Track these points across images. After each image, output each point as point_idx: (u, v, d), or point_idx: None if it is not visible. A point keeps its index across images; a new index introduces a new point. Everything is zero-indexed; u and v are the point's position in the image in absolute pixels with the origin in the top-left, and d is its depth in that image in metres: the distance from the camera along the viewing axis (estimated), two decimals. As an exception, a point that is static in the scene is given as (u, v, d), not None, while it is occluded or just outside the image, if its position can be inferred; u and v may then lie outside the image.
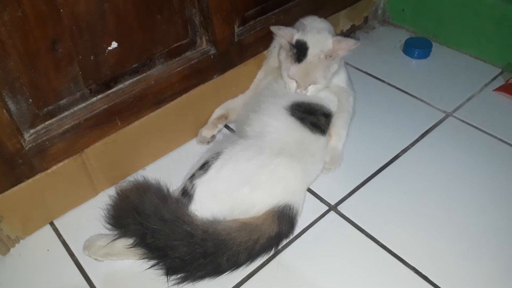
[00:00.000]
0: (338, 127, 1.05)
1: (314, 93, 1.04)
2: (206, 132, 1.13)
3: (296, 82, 1.03)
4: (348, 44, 1.00)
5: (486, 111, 1.19)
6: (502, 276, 0.85)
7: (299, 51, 1.01)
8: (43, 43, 0.79)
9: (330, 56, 1.00)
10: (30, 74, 0.80)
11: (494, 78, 1.30)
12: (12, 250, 0.94)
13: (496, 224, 0.93)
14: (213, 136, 1.13)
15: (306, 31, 1.03)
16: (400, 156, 1.09)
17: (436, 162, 1.07)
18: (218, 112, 1.15)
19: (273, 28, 1.03)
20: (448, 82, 1.30)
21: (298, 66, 1.01)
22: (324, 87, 1.05)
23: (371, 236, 0.92)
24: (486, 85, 1.28)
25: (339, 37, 1.04)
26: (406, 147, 1.11)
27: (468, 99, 1.23)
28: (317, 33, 1.03)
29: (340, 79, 1.11)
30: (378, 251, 0.90)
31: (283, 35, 1.02)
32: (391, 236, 0.92)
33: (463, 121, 1.17)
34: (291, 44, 1.01)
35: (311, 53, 1.01)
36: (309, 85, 1.03)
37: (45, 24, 0.77)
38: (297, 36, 1.02)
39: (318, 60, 1.00)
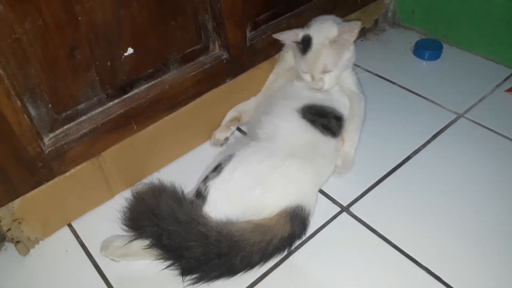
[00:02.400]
0: (350, 132, 1.06)
1: (331, 85, 1.05)
2: (219, 135, 1.14)
3: (310, 75, 1.04)
4: (351, 26, 1.01)
5: (497, 112, 1.19)
6: (515, 277, 0.85)
7: (305, 44, 1.03)
8: (62, 50, 0.81)
9: (335, 42, 1.01)
10: (49, 80, 0.82)
11: (506, 79, 1.29)
12: (31, 251, 0.97)
13: (509, 225, 0.93)
14: (227, 138, 1.15)
15: (311, 26, 1.06)
16: (412, 157, 1.09)
17: (448, 163, 1.07)
18: (230, 114, 1.17)
19: (276, 35, 1.06)
20: (459, 83, 1.30)
21: (305, 57, 1.04)
22: (338, 76, 1.05)
23: (384, 237, 0.93)
24: (497, 86, 1.28)
25: (343, 23, 1.05)
26: (418, 148, 1.11)
27: (480, 100, 1.23)
28: (320, 24, 1.06)
29: (351, 82, 1.12)
30: (391, 252, 0.90)
31: (287, 38, 1.05)
32: (404, 237, 0.93)
33: (474, 122, 1.17)
34: (298, 42, 1.04)
35: (316, 41, 1.03)
36: (323, 75, 1.03)
37: (64, 32, 0.80)
38: (302, 33, 1.05)
39: (324, 47, 1.02)
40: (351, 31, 1.01)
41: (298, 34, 1.05)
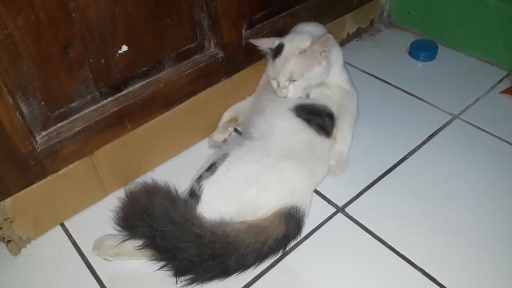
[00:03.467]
0: (342, 130, 1.06)
1: (294, 95, 1.03)
2: (217, 137, 1.14)
3: (277, 82, 1.04)
4: (323, 39, 0.99)
5: (492, 113, 1.20)
6: (510, 278, 0.85)
7: (276, 51, 1.04)
8: (56, 47, 0.80)
9: (305, 52, 1.00)
10: (42, 77, 0.81)
11: (501, 81, 1.30)
12: (23, 250, 0.96)
13: (504, 226, 0.94)
14: (225, 140, 1.14)
15: (288, 35, 1.06)
16: (407, 158, 1.09)
17: (443, 164, 1.08)
18: (227, 115, 1.17)
19: (253, 41, 1.07)
20: (454, 84, 1.30)
21: (274, 62, 1.04)
22: (304, 88, 1.04)
23: (379, 237, 0.93)
24: (492, 87, 1.28)
25: (318, 36, 1.04)
26: (413, 149, 1.11)
27: (475, 102, 1.24)
28: (297, 34, 1.06)
29: (342, 80, 1.12)
30: (386, 253, 0.90)
31: (263, 44, 1.06)
32: (399, 238, 0.92)
33: (469, 123, 1.17)
34: (272, 49, 1.05)
35: (286, 50, 1.03)
36: (288, 83, 1.02)
37: (58, 29, 0.79)
38: (278, 41, 1.05)
39: (293, 55, 1.01)
40: (322, 44, 1.00)
41: (274, 41, 1.05)
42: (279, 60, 1.02)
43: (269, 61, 1.07)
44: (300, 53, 1.01)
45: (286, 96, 1.03)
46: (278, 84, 1.03)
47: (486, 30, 1.33)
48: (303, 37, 1.04)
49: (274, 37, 1.07)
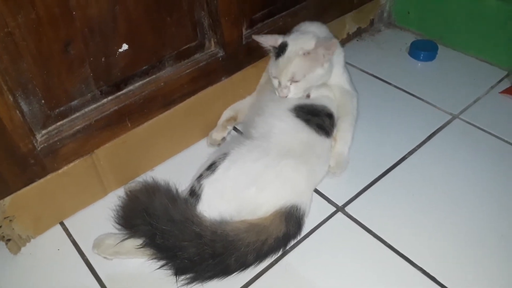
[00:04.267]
0: (343, 131, 1.06)
1: (296, 95, 1.03)
2: (216, 135, 1.14)
3: (278, 81, 1.04)
4: (328, 43, 1.00)
5: (492, 113, 1.20)
6: (510, 277, 0.85)
7: (280, 50, 1.03)
8: (56, 45, 0.80)
9: (309, 54, 1.00)
10: (42, 75, 0.81)
11: (500, 80, 1.30)
12: (23, 249, 0.95)
13: (503, 226, 0.94)
14: (224, 138, 1.14)
15: (292, 34, 1.05)
16: (407, 157, 1.09)
17: (443, 163, 1.08)
18: (227, 114, 1.17)
19: (256, 37, 1.06)
20: (454, 84, 1.30)
21: (277, 61, 1.03)
22: (305, 89, 1.04)
23: (379, 237, 0.93)
24: (492, 87, 1.28)
25: (322, 38, 1.04)
26: (413, 149, 1.11)
27: (474, 101, 1.24)
28: (301, 34, 1.05)
29: (343, 80, 1.12)
30: (386, 252, 0.90)
31: (266, 41, 1.05)
32: (399, 237, 0.92)
33: (469, 123, 1.18)
34: (275, 47, 1.04)
35: (290, 49, 1.02)
36: (290, 83, 1.02)
37: (58, 26, 0.79)
38: (281, 39, 1.04)
39: (296, 56, 1.01)
40: (327, 48, 1.00)
41: (277, 39, 1.04)
42: (282, 59, 1.02)
43: (271, 59, 1.07)
44: (304, 54, 1.00)
45: (286, 96, 1.03)
46: (280, 84, 1.03)
47: (486, 30, 1.33)
48: (307, 38, 1.03)
49: (277, 34, 1.06)
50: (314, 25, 1.12)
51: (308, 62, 1.01)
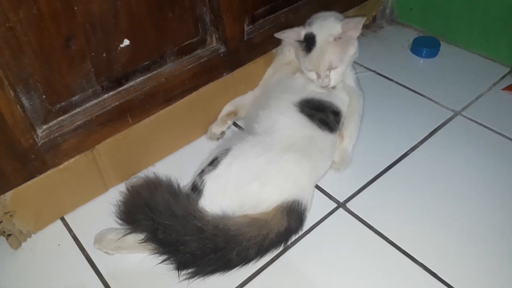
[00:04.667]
0: (350, 129, 1.07)
1: (338, 81, 1.05)
2: (215, 129, 1.14)
3: (316, 73, 1.04)
4: (356, 22, 1.01)
5: (494, 110, 1.19)
6: (511, 274, 0.85)
7: (308, 42, 1.03)
8: (57, 40, 0.80)
9: (340, 38, 1.01)
10: (44, 70, 0.81)
11: (503, 77, 1.29)
12: (23, 244, 0.95)
13: (505, 222, 0.93)
14: (223, 133, 1.14)
15: (312, 23, 1.05)
16: (408, 154, 1.09)
17: (445, 160, 1.07)
18: (227, 108, 1.16)
19: (277, 34, 1.06)
20: (457, 81, 1.30)
21: (310, 55, 1.03)
22: (344, 70, 1.05)
23: (380, 233, 0.93)
24: (494, 84, 1.28)
25: (346, 19, 1.05)
26: (415, 146, 1.11)
27: (477, 98, 1.23)
28: (323, 21, 1.05)
29: (351, 79, 1.12)
30: (387, 248, 0.90)
31: (289, 36, 1.05)
32: (400, 233, 0.92)
33: (471, 119, 1.17)
34: (300, 41, 1.03)
35: (320, 39, 1.02)
36: (328, 71, 1.03)
37: (60, 21, 0.78)
38: (304, 31, 1.04)
39: (328, 44, 1.01)
40: (356, 27, 1.01)
41: (300, 32, 1.04)
42: (315, 51, 1.02)
43: (300, 53, 1.06)
44: (335, 39, 1.00)
45: (328, 85, 1.04)
46: (319, 75, 1.03)
47: (489, 27, 1.32)
48: (331, 22, 1.03)
49: (296, 27, 1.06)
50: (330, 12, 1.12)
51: (341, 46, 1.02)
